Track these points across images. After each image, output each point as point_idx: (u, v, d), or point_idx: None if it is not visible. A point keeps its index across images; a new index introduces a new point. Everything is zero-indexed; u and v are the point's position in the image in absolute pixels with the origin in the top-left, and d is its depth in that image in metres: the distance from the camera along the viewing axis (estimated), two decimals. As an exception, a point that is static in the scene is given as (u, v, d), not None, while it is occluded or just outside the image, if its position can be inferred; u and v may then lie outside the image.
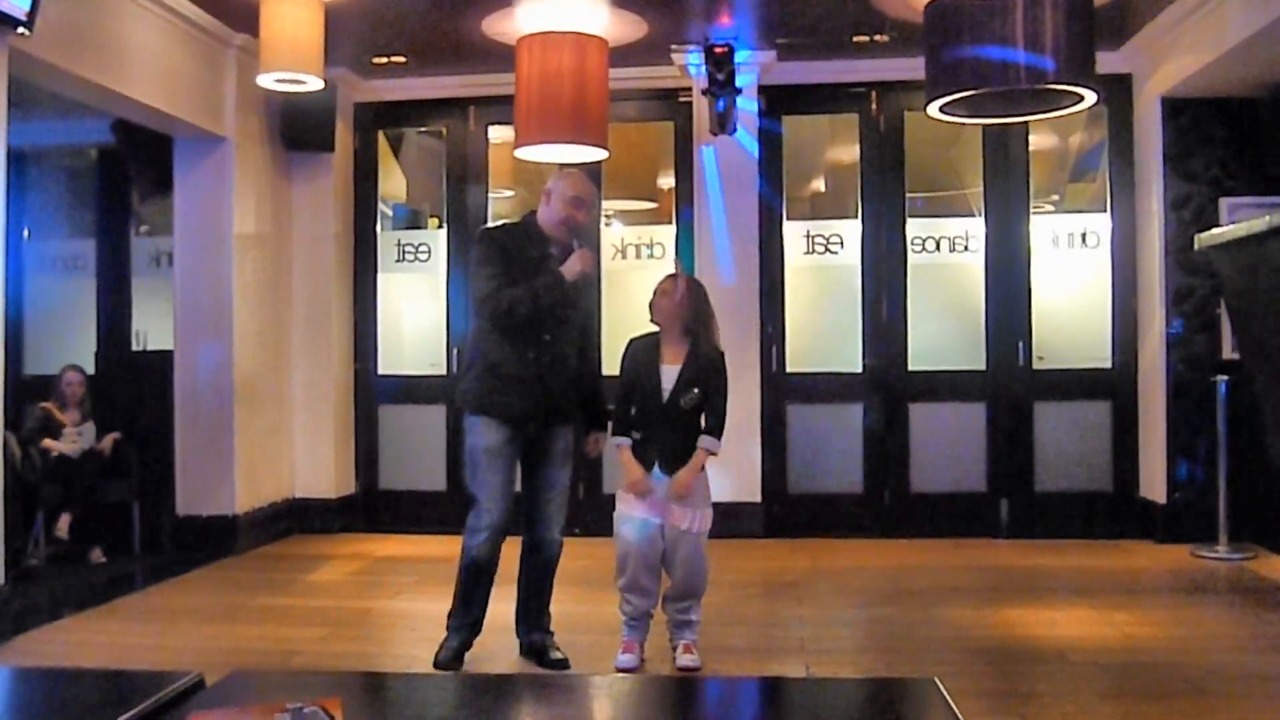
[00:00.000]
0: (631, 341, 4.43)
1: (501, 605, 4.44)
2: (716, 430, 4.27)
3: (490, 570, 4.28)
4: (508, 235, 4.32)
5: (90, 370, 7.16)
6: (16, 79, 4.90)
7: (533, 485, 4.37)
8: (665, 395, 4.24)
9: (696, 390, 4.23)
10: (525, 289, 4.14)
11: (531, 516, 4.38)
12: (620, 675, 4.02)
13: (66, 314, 7.95)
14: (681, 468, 4.21)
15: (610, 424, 4.46)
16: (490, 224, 4.21)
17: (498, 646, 4.43)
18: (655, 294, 4.34)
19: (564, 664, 4.32)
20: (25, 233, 7.98)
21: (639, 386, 4.28)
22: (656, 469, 4.24)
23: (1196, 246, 4.61)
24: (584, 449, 4.52)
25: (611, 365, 7.15)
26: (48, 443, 6.44)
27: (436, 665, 4.26)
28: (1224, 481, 6.39)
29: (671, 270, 4.57)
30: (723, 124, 6.58)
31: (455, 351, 7.41)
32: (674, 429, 4.25)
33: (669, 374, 4.25)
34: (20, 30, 4.65)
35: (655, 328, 4.36)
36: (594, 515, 7.22)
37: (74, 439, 6.56)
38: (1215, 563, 6.25)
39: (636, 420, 4.28)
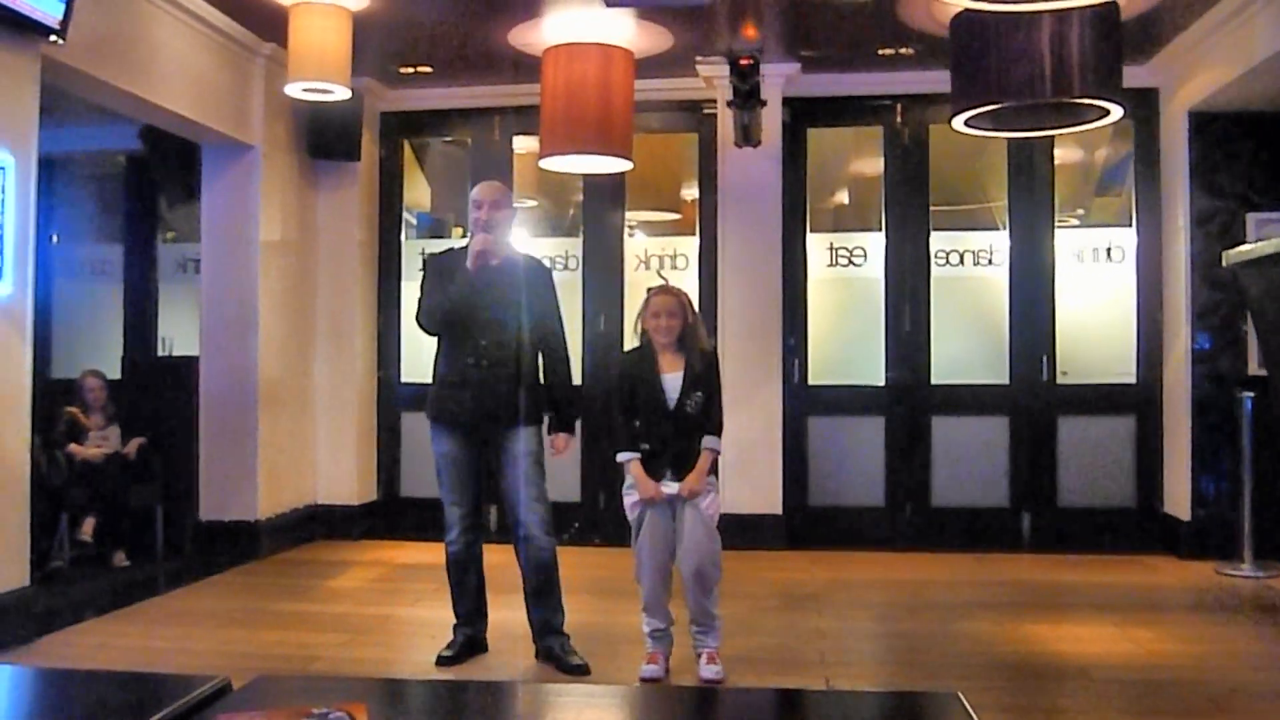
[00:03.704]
0: (623, 356, 4.48)
1: (514, 613, 4.48)
2: (717, 429, 4.32)
3: (468, 564, 4.51)
4: (443, 258, 4.59)
5: (115, 375, 7.21)
6: (48, 85, 4.95)
7: (501, 489, 4.50)
8: (671, 403, 4.26)
9: (699, 393, 4.27)
10: (437, 295, 4.39)
11: (510, 520, 4.49)
12: (641, 685, 4.03)
13: (93, 319, 8.04)
14: (689, 471, 4.23)
15: (616, 439, 4.44)
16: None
17: (514, 654, 4.44)
18: (655, 314, 4.29)
19: (584, 669, 4.32)
20: (53, 237, 8.07)
21: (641, 398, 4.30)
22: (668, 476, 4.25)
23: (1224, 263, 4.60)
24: (552, 448, 4.57)
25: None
26: (73, 448, 6.49)
27: (437, 663, 4.41)
28: (1249, 498, 6.33)
29: (660, 283, 4.49)
30: (747, 136, 6.59)
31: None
32: (679, 434, 4.27)
33: (671, 381, 4.27)
34: (53, 38, 4.71)
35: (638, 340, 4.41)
36: (613, 525, 7.26)
37: (99, 443, 6.61)
38: (1239, 580, 6.19)
39: (642, 432, 4.29)
